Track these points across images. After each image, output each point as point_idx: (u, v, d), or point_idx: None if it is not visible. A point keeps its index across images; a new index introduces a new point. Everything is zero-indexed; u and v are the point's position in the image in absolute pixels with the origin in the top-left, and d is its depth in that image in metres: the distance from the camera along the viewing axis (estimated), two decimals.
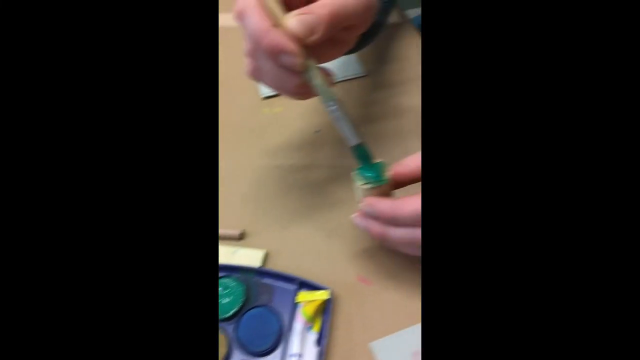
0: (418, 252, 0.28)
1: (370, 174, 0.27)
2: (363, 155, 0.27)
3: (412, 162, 0.28)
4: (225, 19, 0.57)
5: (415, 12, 0.62)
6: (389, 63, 0.47)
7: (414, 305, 0.30)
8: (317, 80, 0.26)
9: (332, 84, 0.28)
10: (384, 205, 0.26)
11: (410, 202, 0.25)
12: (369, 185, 0.27)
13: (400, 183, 0.29)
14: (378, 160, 0.27)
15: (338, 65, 0.47)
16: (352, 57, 0.47)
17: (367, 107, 0.43)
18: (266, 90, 0.45)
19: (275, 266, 0.32)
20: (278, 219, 0.35)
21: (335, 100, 0.27)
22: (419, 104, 0.43)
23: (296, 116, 0.43)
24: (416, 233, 0.26)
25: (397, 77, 0.45)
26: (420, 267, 0.31)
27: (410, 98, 0.43)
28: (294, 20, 0.25)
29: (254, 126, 0.42)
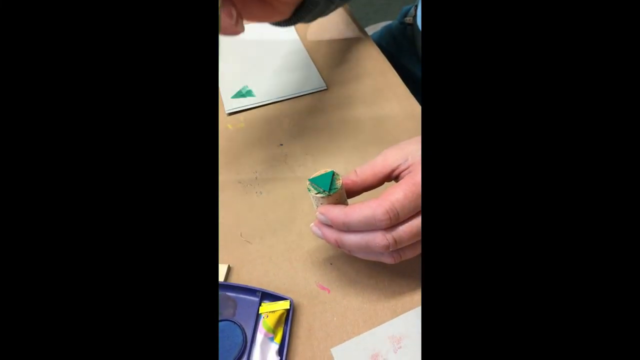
0: (372, 257, 0.29)
1: (321, 184, 0.28)
2: None
3: (364, 171, 0.30)
4: None
5: (373, 29, 0.64)
6: (348, 77, 0.49)
7: (372, 309, 0.31)
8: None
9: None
10: (336, 212, 0.27)
11: (360, 208, 0.26)
12: (320, 195, 0.28)
13: (353, 192, 0.30)
14: (329, 170, 0.29)
15: (301, 79, 0.48)
16: (314, 71, 0.49)
17: (328, 119, 0.44)
18: (231, 106, 0.46)
19: (238, 279, 0.33)
20: (240, 233, 0.36)
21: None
22: (377, 115, 0.44)
23: (259, 131, 0.44)
24: (367, 238, 0.27)
25: (356, 91, 0.47)
26: (376, 271, 0.33)
27: (368, 110, 0.45)
28: None
29: (220, 142, 0.43)
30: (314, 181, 0.28)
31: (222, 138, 0.43)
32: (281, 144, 0.42)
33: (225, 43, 0.54)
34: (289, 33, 0.54)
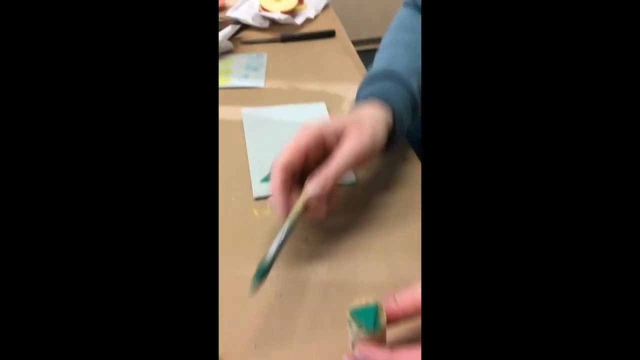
0: None
1: (364, 318, 0.26)
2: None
3: (404, 300, 0.28)
4: (222, 112, 0.59)
5: None
6: (378, 172, 0.48)
7: None
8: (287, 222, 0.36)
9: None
10: (380, 357, 0.25)
11: (408, 356, 0.24)
12: (363, 332, 0.26)
13: (391, 321, 0.28)
14: (373, 303, 0.26)
15: None
16: None
17: (356, 217, 0.43)
18: (259, 191, 0.45)
19: None
20: (256, 342, 0.33)
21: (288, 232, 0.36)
22: (405, 218, 0.43)
23: None
24: None
25: (386, 191, 0.46)
26: None
27: (396, 212, 0.44)
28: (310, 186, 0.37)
29: (243, 229, 0.42)
30: (357, 315, 0.26)
31: (246, 225, 0.42)
32: (306, 239, 0.41)
33: (257, 125, 0.55)
34: (321, 117, 0.55)
